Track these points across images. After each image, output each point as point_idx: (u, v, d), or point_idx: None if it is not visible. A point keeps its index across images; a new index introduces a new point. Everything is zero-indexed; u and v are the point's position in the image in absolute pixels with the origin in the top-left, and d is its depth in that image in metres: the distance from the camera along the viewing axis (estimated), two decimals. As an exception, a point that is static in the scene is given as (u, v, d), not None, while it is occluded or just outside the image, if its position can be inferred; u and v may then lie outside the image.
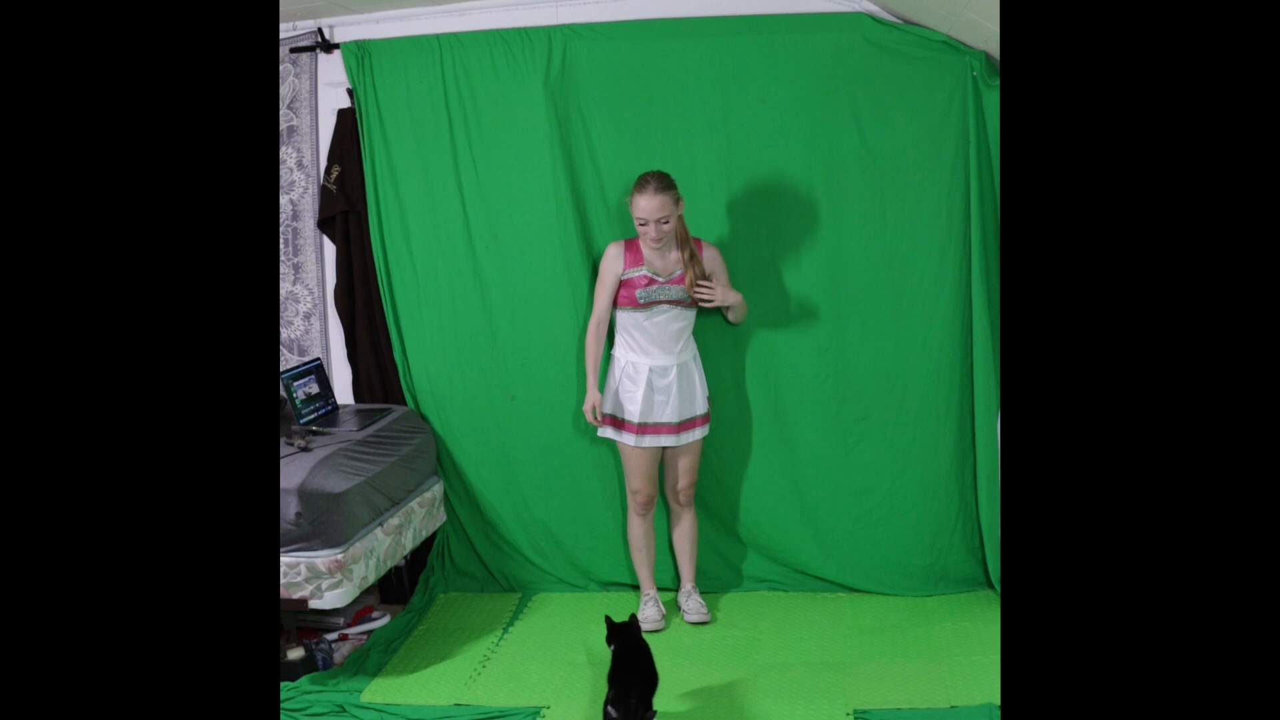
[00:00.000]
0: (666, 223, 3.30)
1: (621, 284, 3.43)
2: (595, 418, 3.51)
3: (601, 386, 3.55)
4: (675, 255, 3.40)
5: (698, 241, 3.45)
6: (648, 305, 3.39)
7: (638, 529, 3.63)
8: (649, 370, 3.43)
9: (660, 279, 3.39)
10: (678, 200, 3.32)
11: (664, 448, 3.53)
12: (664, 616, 3.56)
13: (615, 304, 3.46)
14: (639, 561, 3.66)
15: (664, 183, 3.29)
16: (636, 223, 3.32)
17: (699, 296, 3.38)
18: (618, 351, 3.52)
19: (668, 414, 3.46)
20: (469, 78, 3.71)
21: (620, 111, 3.65)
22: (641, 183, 3.30)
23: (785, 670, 3.19)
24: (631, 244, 3.43)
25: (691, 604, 3.59)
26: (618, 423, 3.51)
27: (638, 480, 3.54)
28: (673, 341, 3.44)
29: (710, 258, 3.45)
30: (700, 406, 3.53)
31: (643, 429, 3.47)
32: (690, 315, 3.47)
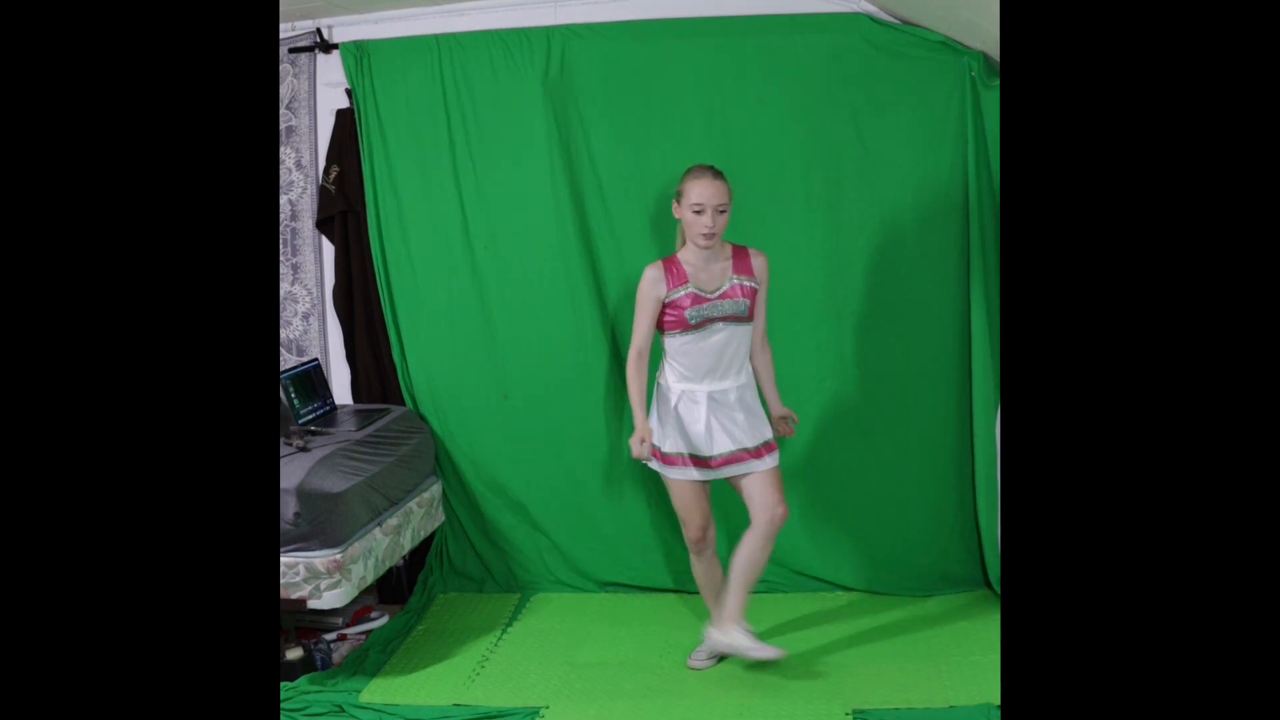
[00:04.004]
0: (724, 211, 3.04)
1: (666, 307, 3.09)
2: (644, 451, 3.15)
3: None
4: (720, 267, 3.10)
5: (744, 249, 3.17)
6: (700, 325, 3.06)
7: (699, 567, 3.30)
8: (708, 396, 3.10)
9: (710, 295, 3.08)
10: (731, 197, 3.08)
11: (728, 478, 3.20)
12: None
13: (661, 329, 3.15)
14: (706, 597, 3.34)
15: (720, 172, 3.06)
16: (690, 211, 3.03)
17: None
18: (670, 382, 3.16)
19: (733, 443, 3.11)
20: (467, 78, 3.71)
21: (619, 112, 3.66)
22: (694, 171, 3.06)
23: (785, 670, 3.18)
24: (670, 262, 3.12)
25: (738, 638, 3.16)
26: (670, 457, 3.17)
27: (687, 512, 3.20)
28: (729, 364, 3.11)
29: (760, 267, 3.15)
30: (770, 429, 3.20)
31: (704, 461, 3.14)
32: (748, 330, 3.14)
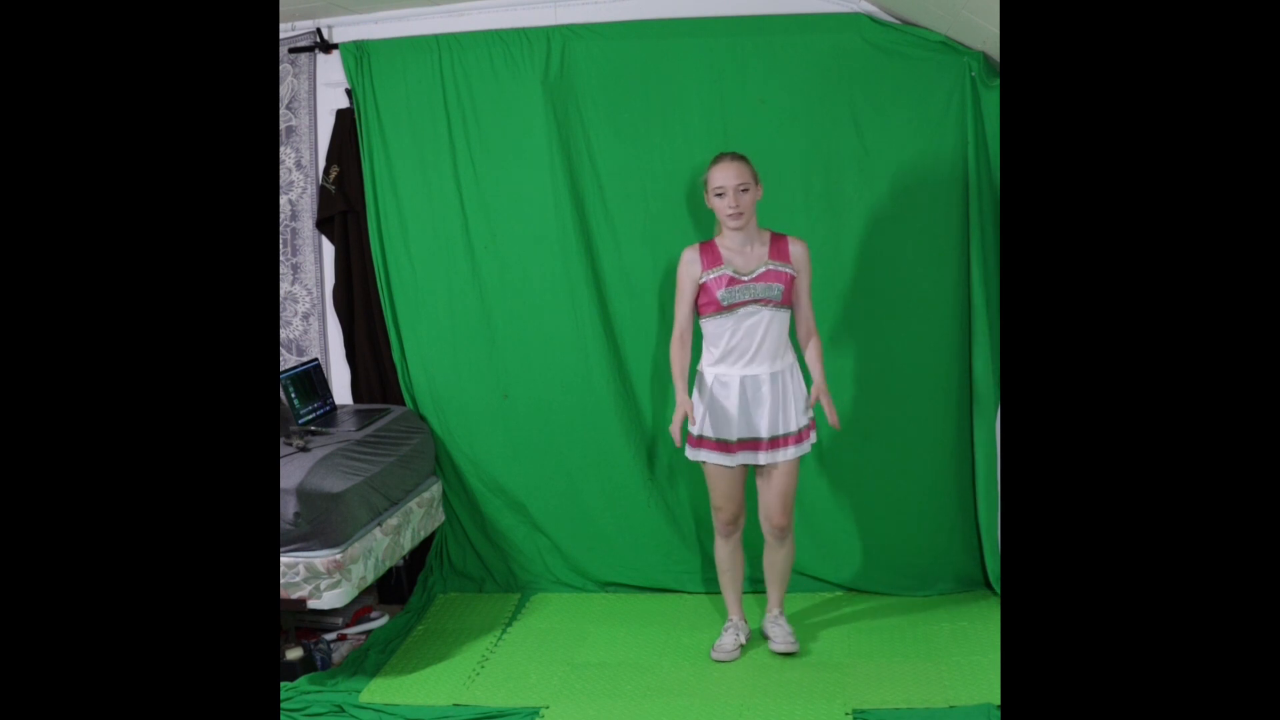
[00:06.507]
0: (746, 190, 3.08)
1: (701, 289, 3.15)
2: (689, 427, 3.18)
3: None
4: (757, 251, 3.14)
5: (783, 236, 3.20)
6: (733, 307, 3.10)
7: (723, 551, 3.35)
8: (740, 380, 3.14)
9: (744, 277, 3.11)
10: (758, 179, 3.14)
11: (753, 466, 3.24)
12: (741, 648, 3.32)
13: (697, 313, 3.21)
14: (724, 585, 3.41)
15: (739, 155, 3.13)
16: (715, 196, 3.10)
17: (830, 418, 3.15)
18: (705, 366, 3.23)
19: (760, 429, 3.16)
20: (467, 78, 3.71)
21: (619, 112, 3.66)
22: (715, 159, 3.15)
23: (785, 670, 3.19)
24: (707, 246, 3.18)
25: (778, 631, 3.34)
26: (703, 441, 3.21)
27: (719, 497, 3.25)
28: (767, 347, 3.14)
29: (798, 254, 3.18)
30: (795, 421, 3.20)
31: (730, 446, 3.18)
32: (784, 317, 3.17)
